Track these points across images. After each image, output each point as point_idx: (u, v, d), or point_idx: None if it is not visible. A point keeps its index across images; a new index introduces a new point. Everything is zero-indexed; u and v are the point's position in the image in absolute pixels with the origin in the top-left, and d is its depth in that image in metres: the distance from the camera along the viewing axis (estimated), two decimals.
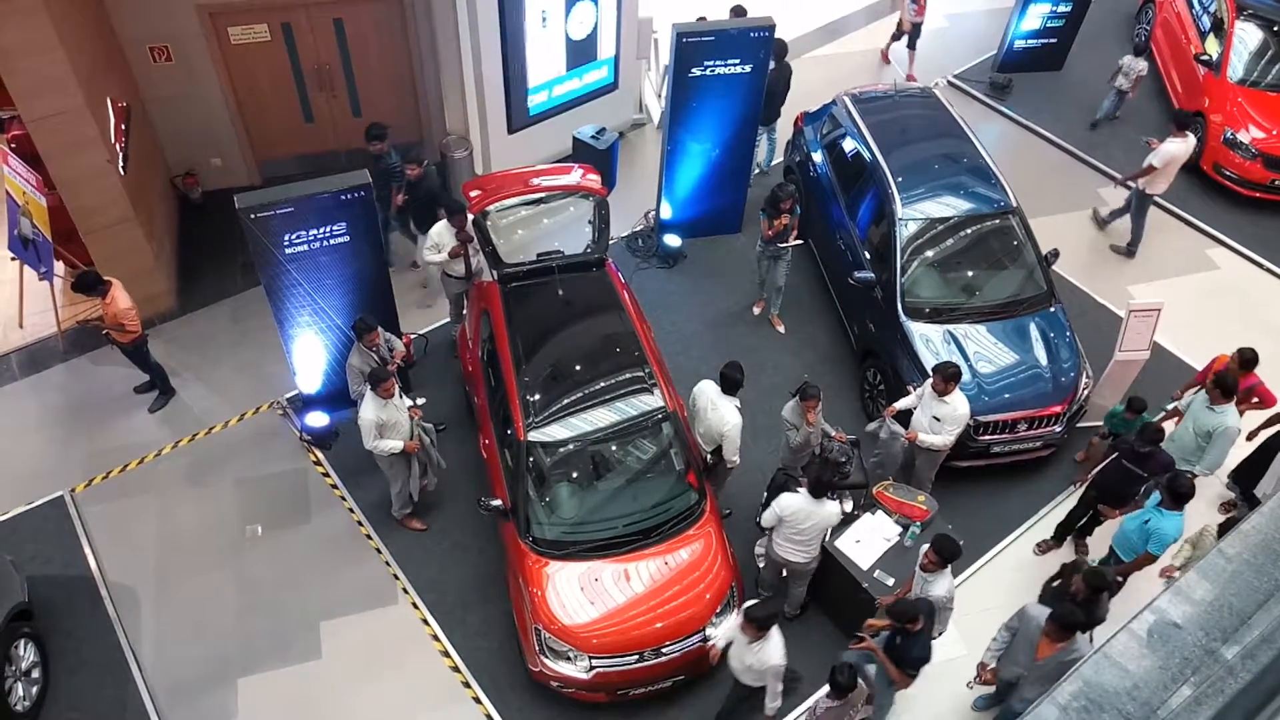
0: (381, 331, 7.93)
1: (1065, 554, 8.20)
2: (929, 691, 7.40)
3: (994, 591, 8.03)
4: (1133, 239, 10.93)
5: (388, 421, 7.40)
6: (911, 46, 13.21)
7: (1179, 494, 6.76)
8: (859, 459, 7.93)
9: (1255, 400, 8.03)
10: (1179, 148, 10.22)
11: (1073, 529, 8.15)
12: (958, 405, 7.53)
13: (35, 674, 7.15)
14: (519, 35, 10.22)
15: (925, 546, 6.54)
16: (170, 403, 9.19)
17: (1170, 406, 8.40)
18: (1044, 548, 8.30)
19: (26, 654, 7.11)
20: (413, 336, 9.10)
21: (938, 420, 7.58)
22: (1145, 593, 7.25)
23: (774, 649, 6.16)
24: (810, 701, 7.28)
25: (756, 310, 10.13)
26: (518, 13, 10.04)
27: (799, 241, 9.57)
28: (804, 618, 7.82)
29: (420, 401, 7.86)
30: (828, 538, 7.32)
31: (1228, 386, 7.40)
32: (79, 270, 9.06)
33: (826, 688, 6.11)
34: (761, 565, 7.89)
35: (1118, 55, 12.54)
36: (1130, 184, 10.71)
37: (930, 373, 7.85)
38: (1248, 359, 7.87)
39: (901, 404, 7.89)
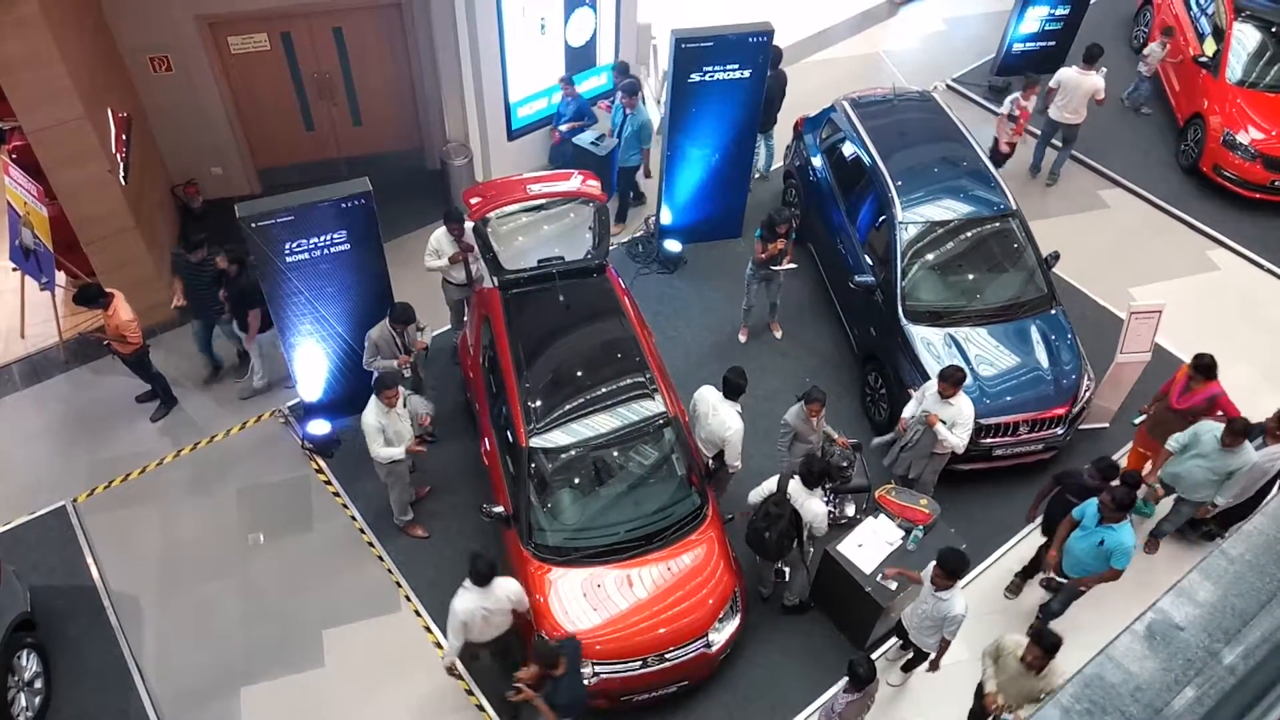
0: (414, 327, 8.10)
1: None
2: (931, 698, 7.39)
3: (997, 595, 8.03)
4: (1034, 160, 11.85)
5: (389, 428, 7.41)
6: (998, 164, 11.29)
7: (1124, 505, 6.60)
8: (861, 463, 7.93)
9: (1219, 414, 7.75)
10: (1072, 72, 11.02)
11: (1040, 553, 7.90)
12: (963, 407, 7.53)
13: (38, 684, 7.15)
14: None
15: (933, 564, 6.47)
16: (172, 412, 9.19)
17: (1139, 420, 8.35)
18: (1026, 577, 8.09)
19: (29, 664, 7.11)
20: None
21: (944, 423, 7.57)
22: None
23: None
24: (826, 698, 7.27)
25: (743, 338, 9.96)
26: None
27: (792, 266, 9.50)
28: (807, 621, 7.81)
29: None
30: (832, 542, 7.33)
31: (1241, 430, 7.14)
32: (80, 282, 9.08)
33: (844, 682, 6.10)
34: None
35: (1116, 58, 12.59)
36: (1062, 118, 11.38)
37: (930, 376, 7.85)
38: (1205, 365, 7.66)
39: (908, 412, 7.86)
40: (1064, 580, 7.17)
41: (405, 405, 7.58)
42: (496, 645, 6.78)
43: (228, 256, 8.46)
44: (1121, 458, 8.89)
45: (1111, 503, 6.61)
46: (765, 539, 7.08)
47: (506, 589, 6.48)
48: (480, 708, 7.31)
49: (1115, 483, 6.93)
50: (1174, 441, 7.60)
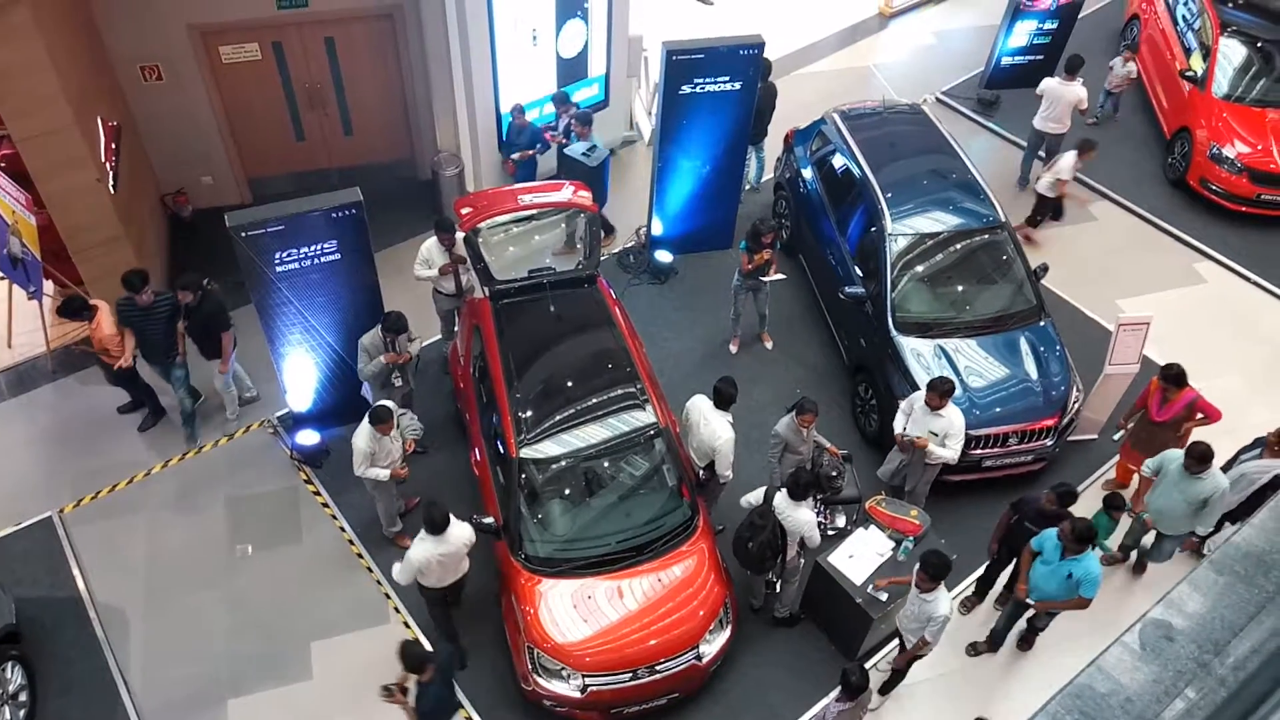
0: (405, 337, 8.07)
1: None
2: (918, 707, 7.39)
3: (986, 606, 8.03)
4: (1022, 173, 12.02)
5: (379, 451, 7.39)
6: (1034, 224, 11.19)
7: (1084, 538, 6.45)
8: (852, 474, 7.93)
9: (1200, 416, 7.81)
10: (1054, 83, 11.25)
11: (991, 584, 7.90)
12: (953, 418, 7.55)
13: (23, 697, 7.09)
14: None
15: (917, 566, 6.51)
16: (160, 423, 9.13)
17: (1118, 437, 8.39)
18: (969, 606, 8.01)
19: (14, 676, 7.05)
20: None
21: (935, 435, 7.58)
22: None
23: None
24: (817, 709, 7.26)
25: (733, 349, 9.98)
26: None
27: (781, 276, 9.53)
28: (798, 633, 7.80)
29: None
30: (822, 553, 7.33)
31: (1202, 455, 6.98)
32: (68, 293, 9.03)
33: (836, 692, 6.08)
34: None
35: (1104, 73, 12.68)
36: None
37: (920, 387, 7.86)
38: (1175, 375, 7.67)
39: (899, 427, 7.85)
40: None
41: (398, 426, 7.54)
42: (457, 594, 7.20)
43: (184, 287, 8.19)
44: (1109, 470, 8.93)
45: (1071, 534, 6.45)
46: (748, 549, 7.09)
47: (461, 535, 6.81)
48: None
49: (1098, 509, 6.89)
50: (1147, 468, 7.52)
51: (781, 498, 6.92)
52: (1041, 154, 11.70)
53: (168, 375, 8.77)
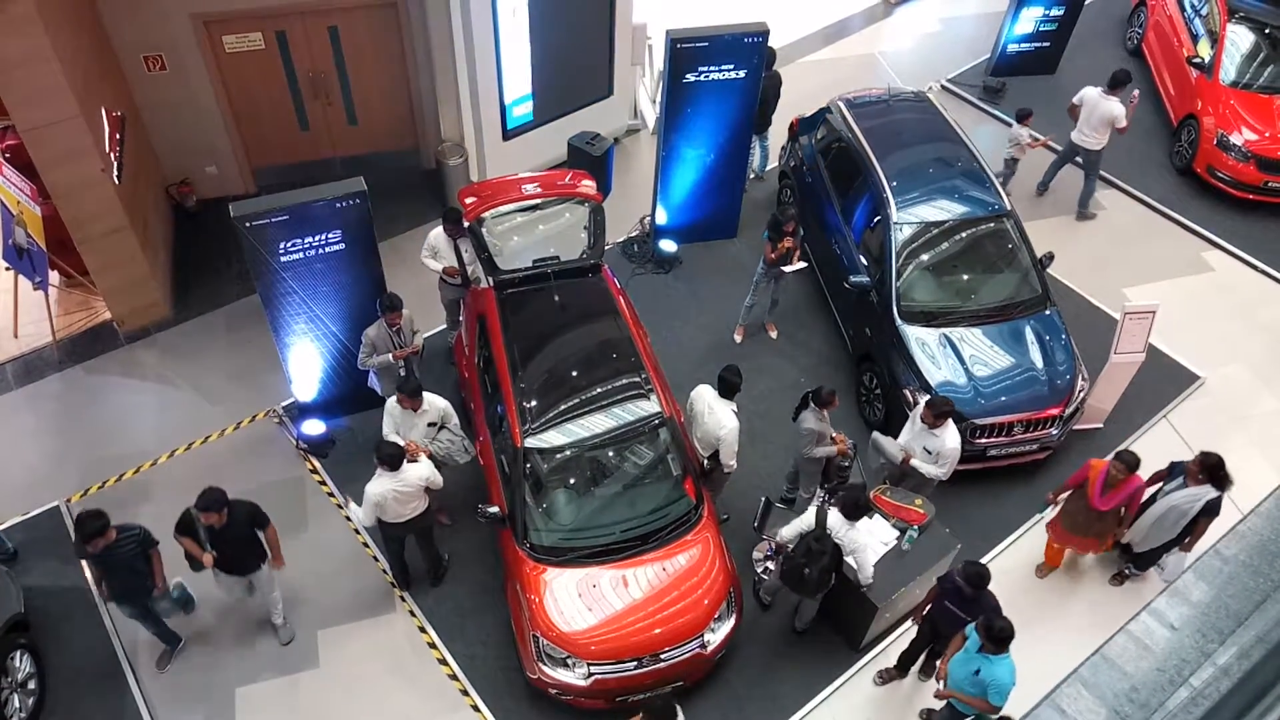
0: (405, 315, 8.02)
1: (910, 684, 7.48)
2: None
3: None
4: (1044, 179, 11.77)
5: (402, 425, 7.46)
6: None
7: (999, 640, 5.90)
8: (857, 463, 7.92)
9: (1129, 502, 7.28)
10: (1094, 93, 10.76)
11: (914, 660, 7.30)
12: (947, 439, 7.45)
13: (31, 685, 7.13)
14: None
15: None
16: (168, 411, 9.09)
17: (1049, 514, 7.96)
18: (885, 677, 7.46)
19: (23, 665, 7.09)
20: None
21: (928, 452, 7.56)
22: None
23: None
24: (820, 699, 7.27)
25: (738, 337, 9.96)
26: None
27: (802, 265, 9.47)
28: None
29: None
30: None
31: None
32: (74, 283, 9.02)
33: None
34: (760, 571, 7.93)
35: (1110, 59, 12.58)
36: (1078, 141, 11.16)
37: (926, 376, 7.85)
38: (1130, 461, 7.09)
39: (904, 437, 7.79)
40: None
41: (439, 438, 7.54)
42: (420, 531, 7.42)
43: (208, 509, 6.55)
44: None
45: (985, 632, 5.95)
46: (805, 575, 6.86)
47: (417, 471, 7.04)
48: (475, 708, 7.30)
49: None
50: None
51: (836, 517, 6.77)
52: (1078, 159, 11.34)
53: (148, 613, 7.18)
